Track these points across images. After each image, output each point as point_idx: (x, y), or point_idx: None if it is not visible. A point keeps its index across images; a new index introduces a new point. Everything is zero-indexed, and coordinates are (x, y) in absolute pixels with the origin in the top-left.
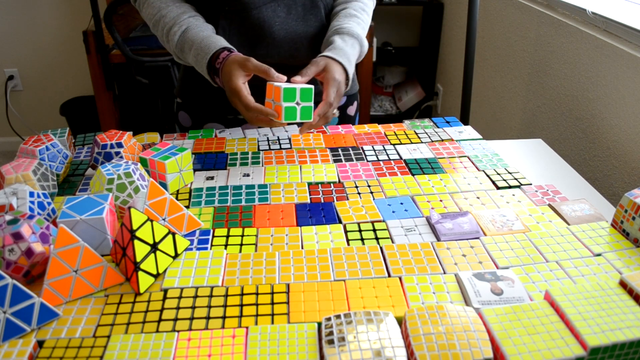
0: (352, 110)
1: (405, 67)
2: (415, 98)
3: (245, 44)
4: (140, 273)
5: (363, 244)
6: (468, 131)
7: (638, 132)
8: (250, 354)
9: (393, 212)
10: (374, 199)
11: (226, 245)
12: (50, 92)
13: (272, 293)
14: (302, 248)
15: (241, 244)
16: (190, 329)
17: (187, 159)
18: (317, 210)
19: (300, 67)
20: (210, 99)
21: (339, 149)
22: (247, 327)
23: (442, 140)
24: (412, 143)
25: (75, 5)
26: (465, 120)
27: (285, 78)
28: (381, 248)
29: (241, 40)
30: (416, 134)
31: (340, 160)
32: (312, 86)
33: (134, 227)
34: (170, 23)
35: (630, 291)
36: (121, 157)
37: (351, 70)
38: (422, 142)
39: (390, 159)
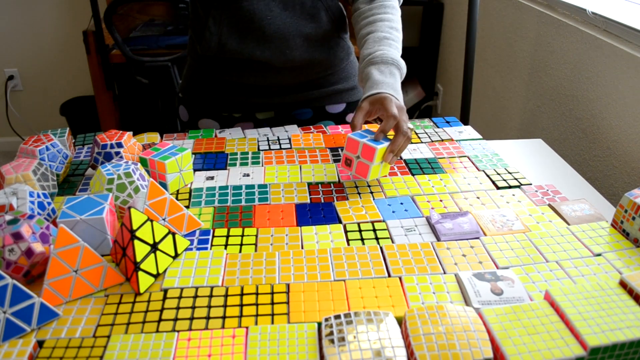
0: (351, 118)
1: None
2: (415, 98)
3: (235, 35)
4: (140, 273)
5: (363, 244)
6: (468, 131)
7: (638, 132)
8: (250, 354)
9: (393, 212)
10: (374, 199)
11: (226, 245)
12: (50, 92)
13: (272, 293)
14: (302, 248)
15: (241, 244)
16: (190, 329)
17: (187, 159)
18: (317, 210)
19: (289, 70)
20: (207, 95)
21: (339, 149)
22: (247, 327)
23: (442, 140)
24: (412, 143)
25: (75, 5)
26: (465, 120)
27: None
28: (381, 248)
29: (231, 32)
30: (416, 134)
31: (340, 161)
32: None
33: (134, 227)
34: None
35: (630, 291)
36: (121, 157)
37: (400, 97)
38: (422, 142)
39: None
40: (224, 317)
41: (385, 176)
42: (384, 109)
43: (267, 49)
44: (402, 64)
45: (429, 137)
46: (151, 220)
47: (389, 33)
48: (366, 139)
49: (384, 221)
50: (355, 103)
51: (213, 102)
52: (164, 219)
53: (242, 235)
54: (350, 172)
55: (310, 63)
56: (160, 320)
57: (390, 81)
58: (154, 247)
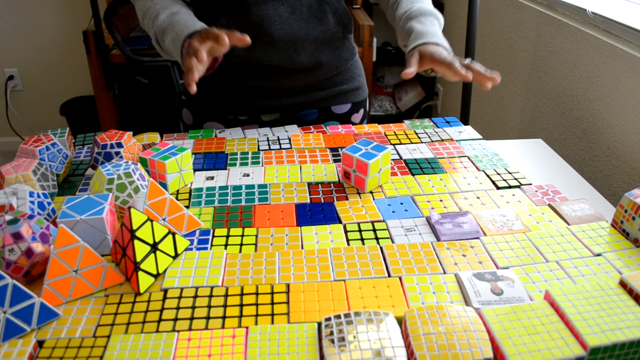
0: (357, 118)
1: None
2: (415, 98)
3: None
4: (140, 273)
5: (363, 244)
6: (468, 131)
7: (638, 132)
8: (250, 354)
9: (393, 212)
10: (374, 199)
11: (226, 245)
12: (50, 92)
13: (272, 293)
14: (302, 248)
15: (241, 244)
16: (190, 329)
17: (187, 159)
18: (317, 210)
19: (296, 72)
20: (212, 98)
21: (339, 149)
22: (247, 327)
23: (442, 140)
24: (412, 143)
25: (75, 5)
26: (465, 120)
27: (249, 40)
28: (381, 248)
29: None
30: (416, 134)
31: (340, 160)
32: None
33: (134, 227)
34: (161, 9)
35: (630, 291)
36: (121, 157)
37: (446, 44)
38: (422, 142)
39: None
40: (224, 317)
41: (387, 182)
42: (434, 59)
43: (274, 53)
44: (439, 14)
45: (429, 137)
46: (151, 220)
47: None
48: (360, 152)
49: (384, 221)
50: (361, 103)
51: (218, 105)
52: (164, 219)
53: (242, 235)
54: (350, 184)
55: (317, 65)
56: (160, 320)
57: (432, 29)
58: (154, 247)
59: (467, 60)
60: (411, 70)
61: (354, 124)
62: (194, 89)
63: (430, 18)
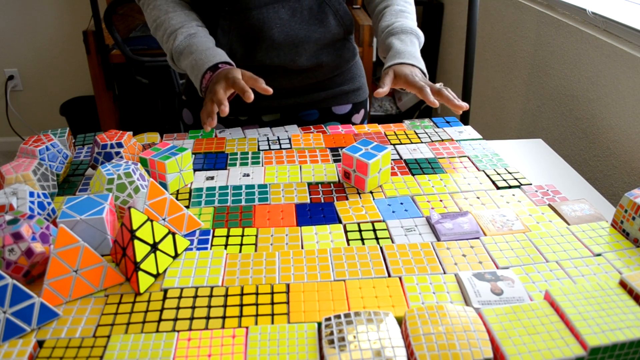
0: (357, 118)
1: None
2: (415, 98)
3: (244, 45)
4: (140, 273)
5: (363, 244)
6: (468, 131)
7: (638, 132)
8: (250, 354)
9: (393, 212)
10: (374, 199)
11: (226, 245)
12: (50, 92)
13: (272, 293)
14: (302, 248)
15: (241, 244)
16: (190, 329)
17: (187, 159)
18: (317, 210)
19: (297, 73)
20: None
21: (339, 149)
22: (247, 327)
23: (442, 140)
24: (412, 143)
25: (75, 5)
26: (465, 120)
27: (271, 91)
28: (381, 248)
29: (240, 41)
30: (416, 134)
31: (340, 160)
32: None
33: (134, 227)
34: (177, 26)
35: (630, 291)
36: (121, 157)
37: (422, 65)
38: (422, 142)
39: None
40: (224, 317)
41: (386, 182)
42: (407, 81)
43: (276, 56)
44: (420, 33)
45: (429, 137)
46: (151, 220)
47: (403, 6)
48: (360, 152)
49: (384, 221)
50: (361, 104)
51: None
52: (164, 219)
53: (242, 235)
54: (350, 184)
55: (318, 66)
56: (160, 320)
57: (411, 49)
58: (154, 247)
59: (439, 85)
60: (383, 90)
61: (354, 124)
62: (208, 129)
63: (410, 36)
